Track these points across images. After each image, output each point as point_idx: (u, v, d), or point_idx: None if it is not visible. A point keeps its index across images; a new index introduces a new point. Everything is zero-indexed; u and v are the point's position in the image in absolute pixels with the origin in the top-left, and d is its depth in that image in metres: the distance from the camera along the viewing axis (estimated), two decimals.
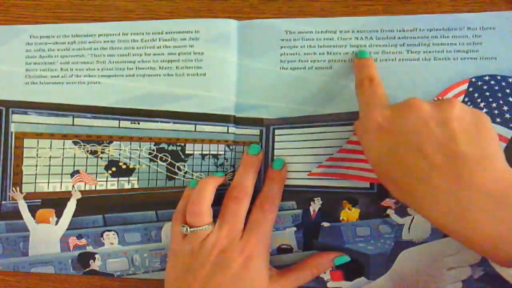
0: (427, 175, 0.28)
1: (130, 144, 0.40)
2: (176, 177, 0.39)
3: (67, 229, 0.40)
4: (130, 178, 0.40)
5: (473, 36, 0.36)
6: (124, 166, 0.40)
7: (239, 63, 0.39)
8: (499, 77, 0.36)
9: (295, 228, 0.38)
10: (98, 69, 0.40)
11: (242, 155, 0.38)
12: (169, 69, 0.39)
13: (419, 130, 0.29)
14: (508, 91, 0.36)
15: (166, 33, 0.40)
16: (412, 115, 0.29)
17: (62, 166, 0.40)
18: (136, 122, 0.40)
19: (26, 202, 0.40)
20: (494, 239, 0.27)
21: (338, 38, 0.38)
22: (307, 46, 0.38)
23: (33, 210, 0.40)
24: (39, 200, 0.40)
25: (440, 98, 0.33)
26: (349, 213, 0.37)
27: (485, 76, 0.36)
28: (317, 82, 0.38)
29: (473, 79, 0.36)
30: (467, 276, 0.35)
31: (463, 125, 0.28)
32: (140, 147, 0.40)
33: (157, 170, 0.40)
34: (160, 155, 0.40)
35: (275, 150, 0.38)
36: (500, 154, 0.28)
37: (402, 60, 0.37)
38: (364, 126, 0.31)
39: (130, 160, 0.40)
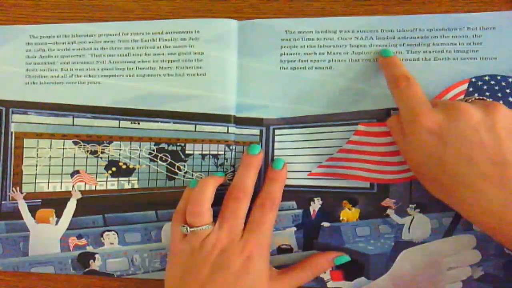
0: (474, 182, 0.29)
1: (130, 144, 0.40)
2: (176, 177, 0.39)
3: (67, 229, 0.40)
4: (130, 178, 0.40)
5: (473, 36, 0.36)
6: (124, 166, 0.40)
7: (239, 63, 0.39)
8: (499, 77, 0.36)
9: (295, 228, 0.38)
10: (98, 69, 0.40)
11: (242, 155, 0.38)
12: (169, 69, 0.39)
13: (470, 138, 0.29)
14: (508, 91, 0.36)
15: (166, 33, 0.40)
16: (462, 122, 0.30)
17: (62, 166, 0.40)
18: (136, 122, 0.40)
19: (26, 202, 0.40)
20: None
21: (338, 38, 0.38)
22: (307, 46, 0.38)
23: (33, 210, 0.40)
24: (39, 200, 0.40)
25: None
26: (349, 213, 0.37)
27: (485, 76, 0.36)
28: (317, 82, 0.38)
29: (473, 79, 0.36)
30: (467, 276, 0.35)
31: (507, 131, 0.29)
32: (140, 147, 0.40)
33: (157, 170, 0.40)
34: (160, 155, 0.40)
35: (275, 150, 0.38)
36: None
37: (402, 60, 0.37)
38: (410, 128, 0.32)
39: (130, 160, 0.40)
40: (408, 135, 0.32)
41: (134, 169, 0.40)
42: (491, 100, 0.33)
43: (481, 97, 0.33)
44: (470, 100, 0.33)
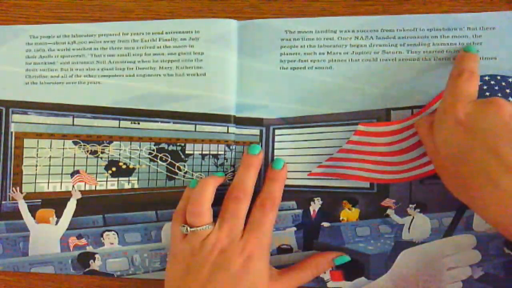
0: (497, 177, 0.28)
1: (130, 144, 0.40)
2: (176, 177, 0.39)
3: (67, 229, 0.40)
4: (130, 178, 0.40)
5: (473, 36, 0.36)
6: (124, 166, 0.40)
7: (239, 63, 0.39)
8: (499, 77, 0.36)
9: (295, 228, 0.38)
10: (98, 69, 0.40)
11: (242, 155, 0.38)
12: (169, 69, 0.39)
13: (497, 130, 0.29)
14: (508, 91, 0.36)
15: (166, 33, 0.40)
16: (493, 114, 0.29)
17: (62, 166, 0.40)
18: (136, 122, 0.40)
19: (26, 202, 0.40)
20: None
21: (338, 38, 0.38)
22: (307, 46, 0.38)
23: (33, 210, 0.40)
24: (39, 200, 0.40)
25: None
26: (349, 213, 0.37)
27: (485, 76, 0.36)
28: (317, 82, 0.38)
29: None
30: (467, 276, 0.35)
31: None
32: (140, 147, 0.40)
33: (157, 170, 0.40)
34: (160, 155, 0.40)
35: (275, 150, 0.38)
36: None
37: (402, 60, 0.37)
38: (442, 117, 0.31)
39: (130, 160, 0.40)
40: (437, 125, 0.32)
41: (134, 169, 0.40)
42: None
43: None
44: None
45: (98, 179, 0.40)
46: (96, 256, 0.40)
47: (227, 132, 0.39)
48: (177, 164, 0.39)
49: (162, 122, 0.40)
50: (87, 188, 0.40)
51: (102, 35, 0.40)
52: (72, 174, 0.40)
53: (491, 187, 0.28)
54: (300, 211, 0.38)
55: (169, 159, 0.40)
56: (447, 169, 0.32)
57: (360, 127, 0.37)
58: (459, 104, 0.31)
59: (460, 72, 0.33)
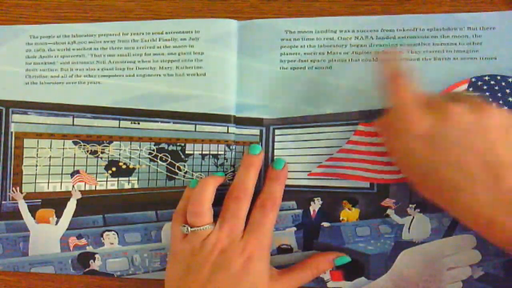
0: (463, 184, 0.29)
1: (130, 144, 0.40)
2: (176, 177, 0.39)
3: (67, 229, 0.40)
4: (130, 178, 0.40)
5: (473, 36, 0.36)
6: (124, 166, 0.40)
7: (239, 63, 0.39)
8: (499, 77, 0.36)
9: (295, 228, 0.38)
10: (98, 69, 0.40)
11: (242, 155, 0.38)
12: (169, 69, 0.39)
13: (459, 141, 0.29)
14: (508, 91, 0.36)
15: (166, 33, 0.40)
16: (451, 126, 0.29)
17: (62, 166, 0.40)
18: (136, 122, 0.40)
19: (26, 202, 0.40)
20: None
21: (338, 38, 0.38)
22: (307, 46, 0.38)
23: (33, 210, 0.40)
24: (39, 200, 0.40)
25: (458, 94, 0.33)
26: (349, 213, 0.37)
27: (485, 76, 0.36)
28: (317, 82, 0.38)
29: (473, 79, 0.36)
30: (467, 276, 0.35)
31: (499, 133, 0.29)
32: (140, 147, 0.40)
33: (157, 170, 0.40)
34: (160, 155, 0.40)
35: (275, 150, 0.38)
36: None
37: (402, 60, 0.37)
38: (396, 128, 0.31)
39: (130, 160, 0.40)
40: (396, 138, 0.32)
41: (134, 169, 0.40)
42: (487, 100, 0.32)
43: (477, 95, 0.33)
44: (464, 97, 0.32)
45: (98, 179, 0.40)
46: (96, 256, 0.40)
47: (227, 132, 0.39)
48: (177, 164, 0.39)
49: (162, 122, 0.40)
50: (87, 188, 0.40)
51: (102, 35, 0.40)
52: (72, 174, 0.40)
53: (461, 194, 0.29)
54: (300, 211, 0.38)
55: (169, 159, 0.40)
56: (413, 177, 0.32)
57: (360, 127, 0.37)
58: (412, 116, 0.30)
59: (393, 78, 0.32)
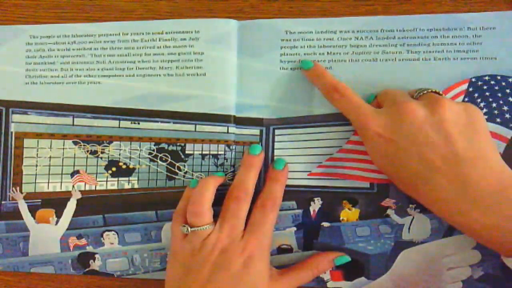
0: (428, 177, 0.30)
1: (130, 144, 0.40)
2: (176, 177, 0.39)
3: (67, 229, 0.40)
4: (130, 178, 0.40)
5: (473, 36, 0.36)
6: (124, 166, 0.40)
7: (239, 63, 0.39)
8: (499, 77, 0.36)
9: (295, 228, 0.38)
10: (98, 69, 0.40)
11: (242, 155, 0.38)
12: (169, 69, 0.39)
13: (415, 136, 0.30)
14: (508, 91, 0.36)
15: (166, 33, 0.40)
16: (406, 122, 0.31)
17: (62, 166, 0.40)
18: (136, 122, 0.40)
19: (26, 202, 0.40)
20: (493, 230, 0.29)
21: (338, 38, 0.38)
22: (307, 46, 0.38)
23: (33, 210, 0.40)
24: (39, 200, 0.40)
25: (426, 91, 0.34)
26: (349, 213, 0.37)
27: (485, 76, 0.36)
28: None
29: (473, 79, 0.36)
30: (467, 276, 0.35)
31: (457, 126, 0.30)
32: (140, 147, 0.40)
33: (157, 170, 0.40)
34: (160, 155, 0.40)
35: (275, 150, 0.38)
36: (494, 152, 0.30)
37: (402, 60, 0.37)
38: (362, 135, 0.33)
39: (130, 160, 0.40)
40: (365, 142, 0.33)
41: (134, 169, 0.40)
42: (439, 95, 0.33)
43: (435, 90, 0.33)
44: (422, 93, 0.33)
45: (98, 179, 0.40)
46: (96, 256, 0.40)
47: (227, 132, 0.39)
48: (177, 164, 0.39)
49: (162, 122, 0.40)
50: (87, 188, 0.40)
51: (102, 35, 0.40)
52: (72, 174, 0.40)
53: (429, 186, 0.30)
54: (300, 211, 0.38)
55: (169, 159, 0.40)
56: (387, 174, 0.34)
57: None
58: (368, 120, 0.32)
59: (328, 94, 0.35)
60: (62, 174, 0.40)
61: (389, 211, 0.37)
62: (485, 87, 0.36)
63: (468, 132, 0.30)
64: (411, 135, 0.30)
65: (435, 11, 0.37)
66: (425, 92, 0.33)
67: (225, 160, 0.39)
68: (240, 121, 0.39)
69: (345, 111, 0.35)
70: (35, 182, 0.41)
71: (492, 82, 0.36)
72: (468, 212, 0.29)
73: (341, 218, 0.37)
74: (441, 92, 0.34)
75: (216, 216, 0.35)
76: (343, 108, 0.35)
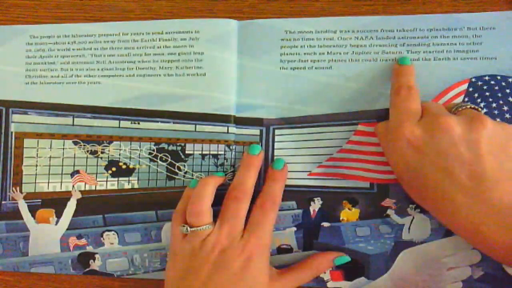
0: (451, 192, 0.30)
1: (130, 144, 0.40)
2: (176, 177, 0.39)
3: (67, 229, 0.40)
4: (130, 178, 0.40)
5: (473, 36, 0.36)
6: (124, 166, 0.40)
7: (239, 63, 0.39)
8: (499, 77, 0.36)
9: (295, 228, 0.38)
10: (98, 69, 0.40)
11: (242, 155, 0.38)
12: (169, 69, 0.39)
13: (447, 152, 0.30)
14: (508, 91, 0.36)
15: (166, 33, 0.40)
16: (442, 139, 0.30)
17: (62, 166, 0.40)
18: (136, 122, 0.40)
19: (26, 202, 0.40)
20: (509, 249, 0.28)
21: (338, 38, 0.38)
22: (307, 46, 0.38)
23: (33, 210, 0.40)
24: (39, 200, 0.40)
25: (458, 105, 0.33)
26: (349, 213, 0.37)
27: (485, 76, 0.36)
28: (317, 82, 0.38)
29: (473, 79, 0.36)
30: (467, 276, 0.35)
31: (491, 145, 0.29)
32: (140, 147, 0.40)
33: (157, 170, 0.40)
34: (160, 155, 0.40)
35: (275, 150, 0.38)
36: None
37: None
38: (392, 135, 0.32)
39: (130, 160, 0.40)
40: (391, 142, 0.33)
41: (134, 169, 0.40)
42: (481, 112, 0.32)
43: (474, 107, 0.33)
44: (461, 109, 0.33)
45: (98, 179, 0.40)
46: (96, 256, 0.40)
47: (227, 132, 0.39)
48: (177, 164, 0.39)
49: (162, 122, 0.40)
50: (87, 188, 0.40)
51: (102, 35, 0.40)
52: (72, 174, 0.40)
53: (448, 203, 0.30)
54: (300, 211, 0.38)
55: (169, 159, 0.40)
56: (404, 180, 0.33)
57: (360, 127, 0.37)
58: (406, 125, 0.31)
59: (397, 91, 0.34)
60: (62, 174, 0.40)
61: (389, 211, 0.37)
62: (485, 87, 0.36)
63: (500, 153, 0.29)
64: (443, 150, 0.30)
65: (435, 11, 0.37)
66: (463, 107, 0.33)
67: (225, 160, 0.39)
68: (240, 121, 0.39)
69: (397, 108, 0.33)
70: (35, 182, 0.41)
71: (492, 82, 0.36)
72: (487, 231, 0.29)
73: (341, 218, 0.37)
74: (479, 108, 0.33)
75: (216, 216, 0.35)
76: (399, 105, 0.33)
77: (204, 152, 0.39)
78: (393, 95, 0.34)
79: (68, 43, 0.41)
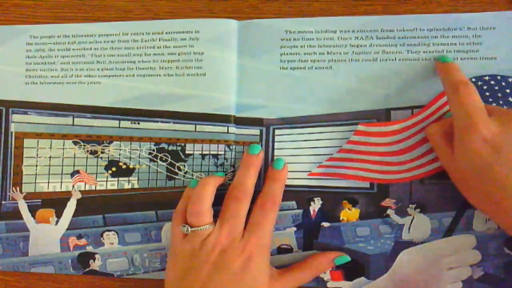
0: None
1: (130, 144, 0.40)
2: (176, 177, 0.39)
3: (67, 229, 0.40)
4: (130, 178, 0.40)
5: (473, 36, 0.36)
6: (124, 166, 0.40)
7: (239, 63, 0.39)
8: (499, 77, 0.36)
9: (295, 228, 0.38)
10: (98, 69, 0.40)
11: (242, 155, 0.38)
12: (169, 69, 0.39)
13: None
14: (508, 91, 0.36)
15: (166, 33, 0.40)
16: None
17: (62, 166, 0.40)
18: (136, 122, 0.40)
19: (26, 202, 0.40)
20: None
21: (338, 38, 0.38)
22: (307, 46, 0.38)
23: (33, 210, 0.40)
24: (39, 200, 0.40)
25: None
26: (349, 213, 0.37)
27: (485, 76, 0.36)
28: (317, 82, 0.38)
29: (473, 79, 0.36)
30: (467, 276, 0.35)
31: None
32: (140, 147, 0.40)
33: (157, 170, 0.40)
34: (160, 155, 0.40)
35: (275, 150, 0.38)
36: None
37: (402, 60, 0.37)
38: (464, 135, 0.31)
39: (130, 160, 0.40)
40: (458, 142, 0.31)
41: (134, 169, 0.40)
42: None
43: None
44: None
45: (98, 179, 0.40)
46: (96, 256, 0.40)
47: (227, 132, 0.39)
48: (177, 164, 0.39)
49: (162, 122, 0.40)
50: (87, 188, 0.40)
51: (102, 35, 0.40)
52: (72, 174, 0.40)
53: (510, 201, 0.29)
54: (300, 211, 0.38)
55: (169, 159, 0.40)
56: (466, 180, 0.32)
57: (360, 127, 0.37)
58: (480, 122, 0.30)
59: (455, 88, 0.32)
60: (62, 174, 0.40)
61: (389, 211, 0.37)
62: (485, 87, 0.36)
63: None
64: None
65: (435, 11, 0.37)
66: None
67: (225, 160, 0.39)
68: (240, 121, 0.39)
69: (463, 107, 0.31)
70: (35, 182, 0.41)
71: (492, 82, 0.36)
72: None
73: (341, 218, 0.37)
74: None
75: (216, 216, 0.35)
76: (463, 103, 0.31)
77: (204, 152, 0.39)
78: (451, 94, 0.32)
79: (68, 43, 0.41)
